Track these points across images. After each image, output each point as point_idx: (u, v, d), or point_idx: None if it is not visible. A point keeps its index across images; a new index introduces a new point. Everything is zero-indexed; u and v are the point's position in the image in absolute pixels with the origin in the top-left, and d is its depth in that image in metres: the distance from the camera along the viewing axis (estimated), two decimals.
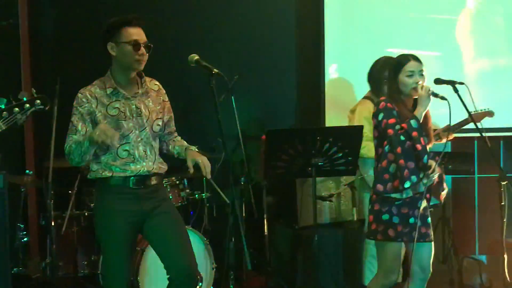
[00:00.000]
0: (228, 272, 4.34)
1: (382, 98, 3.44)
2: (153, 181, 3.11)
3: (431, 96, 3.38)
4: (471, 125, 3.56)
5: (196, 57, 2.94)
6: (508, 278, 3.67)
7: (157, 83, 3.21)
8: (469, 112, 3.55)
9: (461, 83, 3.57)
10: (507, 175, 3.49)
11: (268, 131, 3.19)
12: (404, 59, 3.45)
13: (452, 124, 4.00)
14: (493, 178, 5.11)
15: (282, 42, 5.43)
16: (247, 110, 5.19)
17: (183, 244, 3.12)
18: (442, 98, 3.44)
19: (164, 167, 3.18)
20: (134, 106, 3.06)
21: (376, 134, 3.44)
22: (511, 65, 5.27)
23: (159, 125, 3.14)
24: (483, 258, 5.41)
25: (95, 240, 4.54)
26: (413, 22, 5.26)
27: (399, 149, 3.30)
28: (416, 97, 3.44)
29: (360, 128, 3.34)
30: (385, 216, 3.33)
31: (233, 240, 4.42)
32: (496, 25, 5.30)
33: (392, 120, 3.33)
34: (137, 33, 3.02)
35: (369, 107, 4.26)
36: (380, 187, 3.31)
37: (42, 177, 4.21)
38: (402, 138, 3.31)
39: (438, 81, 3.71)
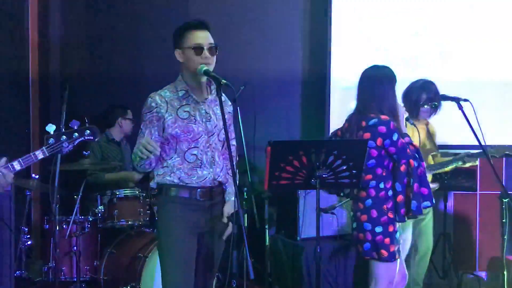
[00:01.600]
0: (230, 280, 4.36)
1: (386, 117, 3.35)
2: (219, 193, 3.07)
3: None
4: (474, 142, 3.59)
5: (205, 67, 2.95)
6: None
7: (223, 94, 3.08)
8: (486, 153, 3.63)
9: (466, 100, 3.60)
10: (509, 192, 3.50)
11: (273, 142, 3.20)
12: (395, 75, 3.45)
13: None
14: (494, 195, 5.15)
15: (288, 52, 5.49)
16: (252, 120, 5.23)
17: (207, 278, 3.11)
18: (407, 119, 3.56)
19: (228, 178, 3.10)
20: (204, 111, 3.02)
21: (375, 154, 3.37)
22: None
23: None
24: (483, 274, 5.42)
25: (98, 246, 4.58)
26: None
27: (420, 171, 3.34)
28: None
29: (365, 141, 3.36)
30: (397, 235, 3.38)
31: (235, 249, 4.44)
32: None
33: (407, 139, 3.37)
34: (200, 37, 2.95)
35: None
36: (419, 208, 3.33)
37: (48, 182, 4.24)
38: (417, 155, 3.36)
39: (443, 98, 3.75)
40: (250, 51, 5.43)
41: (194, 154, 2.98)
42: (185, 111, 2.98)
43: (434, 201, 3.37)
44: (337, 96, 5.29)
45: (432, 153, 4.21)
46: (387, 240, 3.34)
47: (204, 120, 3.01)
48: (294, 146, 3.33)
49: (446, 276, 5.12)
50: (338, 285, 4.75)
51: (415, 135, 3.72)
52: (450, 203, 5.43)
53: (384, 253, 3.35)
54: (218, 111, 3.04)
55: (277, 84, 5.46)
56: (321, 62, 5.34)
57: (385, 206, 3.35)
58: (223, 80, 2.86)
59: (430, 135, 4.24)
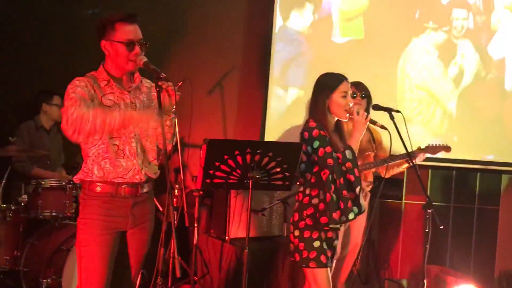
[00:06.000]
0: (156, 278, 4.29)
1: (313, 124, 3.37)
2: (145, 188, 2.97)
3: (367, 123, 3.41)
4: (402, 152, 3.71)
5: (145, 59, 2.90)
6: None
7: (149, 81, 3.04)
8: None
9: (398, 111, 3.70)
10: (433, 203, 3.61)
11: (209, 141, 3.19)
12: (338, 79, 3.41)
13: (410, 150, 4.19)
14: (419, 205, 5.34)
15: (228, 51, 5.47)
16: (188, 117, 5.18)
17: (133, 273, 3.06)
18: (382, 127, 3.51)
19: (157, 173, 3.03)
20: (128, 100, 2.92)
21: (304, 159, 3.38)
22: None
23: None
24: (405, 282, 5.59)
25: (20, 235, 4.42)
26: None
27: (342, 180, 3.30)
28: (342, 119, 3.45)
29: (299, 145, 3.39)
30: (317, 243, 3.34)
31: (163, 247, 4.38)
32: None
33: (329, 149, 3.31)
34: (132, 31, 2.86)
35: None
36: (323, 219, 3.29)
37: None
38: (343, 168, 3.31)
39: (376, 107, 3.82)
40: (190, 47, 5.38)
41: (116, 144, 2.88)
42: (109, 99, 2.88)
43: (349, 217, 3.33)
44: (275, 99, 5.32)
45: (366, 153, 4.27)
46: (301, 245, 3.35)
47: (129, 109, 2.91)
48: (230, 145, 3.33)
49: (368, 282, 5.24)
50: (263, 286, 4.78)
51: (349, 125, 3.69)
52: (376, 210, 5.57)
53: (297, 256, 3.37)
54: (145, 99, 2.98)
55: (216, 82, 5.43)
56: (262, 61, 5.36)
57: (305, 212, 3.35)
58: (162, 74, 2.81)
59: (370, 135, 4.31)
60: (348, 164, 3.31)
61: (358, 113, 3.39)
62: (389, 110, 3.70)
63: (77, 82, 2.86)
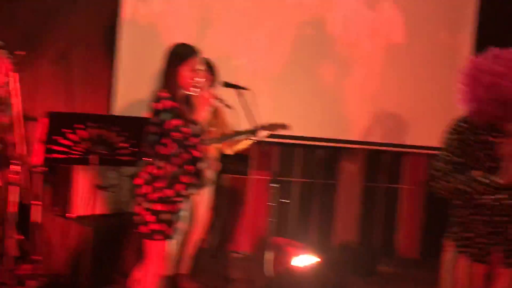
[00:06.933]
0: None
1: (165, 94, 3.31)
2: None
3: (214, 101, 3.47)
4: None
5: None
6: (270, 274, 3.96)
7: None
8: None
9: (247, 89, 3.79)
10: (280, 177, 3.75)
11: (50, 113, 3.05)
12: (190, 51, 3.38)
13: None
14: (265, 180, 5.52)
15: (74, 20, 5.19)
16: (31, 88, 4.90)
17: None
18: (228, 106, 3.56)
19: None
20: None
21: (154, 130, 3.33)
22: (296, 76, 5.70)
23: None
24: (249, 253, 5.78)
25: None
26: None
27: (187, 155, 3.31)
28: (192, 93, 3.44)
29: (144, 119, 3.34)
30: (166, 216, 3.35)
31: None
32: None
33: (178, 122, 3.28)
34: None
35: None
36: (169, 192, 3.30)
37: None
38: (190, 144, 3.31)
39: (226, 84, 3.88)
40: (34, 14, 5.05)
41: None
42: None
43: (191, 192, 3.39)
44: (124, 71, 5.18)
45: (210, 128, 4.32)
46: (150, 217, 3.33)
47: None
48: (70, 118, 3.21)
49: (215, 255, 5.34)
50: (111, 265, 4.71)
51: None
52: (223, 185, 5.66)
53: (143, 229, 3.36)
54: None
55: (60, 53, 5.16)
56: (109, 32, 5.18)
57: (155, 185, 3.32)
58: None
59: (214, 111, 4.36)
60: (195, 139, 3.32)
61: (204, 90, 3.41)
62: (237, 87, 3.78)
63: None
